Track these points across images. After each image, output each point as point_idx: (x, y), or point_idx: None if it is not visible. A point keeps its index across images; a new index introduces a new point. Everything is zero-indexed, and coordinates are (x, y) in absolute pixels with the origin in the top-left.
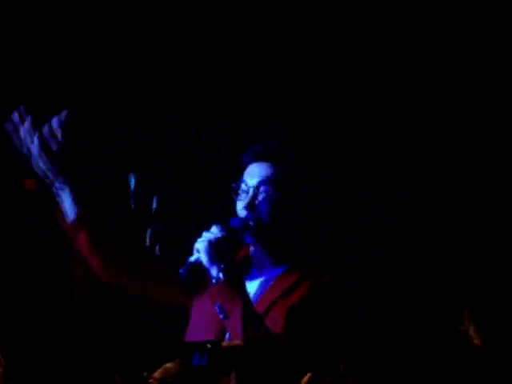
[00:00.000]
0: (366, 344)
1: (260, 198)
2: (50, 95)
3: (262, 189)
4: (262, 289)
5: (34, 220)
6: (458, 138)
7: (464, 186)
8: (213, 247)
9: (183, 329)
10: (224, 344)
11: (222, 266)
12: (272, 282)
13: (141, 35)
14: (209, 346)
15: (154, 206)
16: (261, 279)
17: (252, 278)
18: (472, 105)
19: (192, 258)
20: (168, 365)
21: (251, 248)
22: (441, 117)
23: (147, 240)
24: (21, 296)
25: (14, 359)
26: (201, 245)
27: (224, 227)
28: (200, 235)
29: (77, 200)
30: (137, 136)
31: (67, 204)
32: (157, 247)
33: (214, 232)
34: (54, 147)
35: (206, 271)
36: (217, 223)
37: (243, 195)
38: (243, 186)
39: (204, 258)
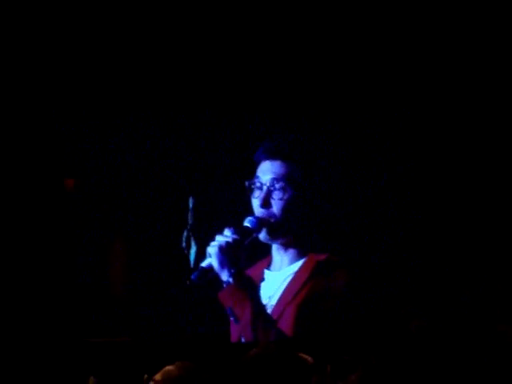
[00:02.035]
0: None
1: (274, 194)
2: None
3: (275, 185)
4: (281, 287)
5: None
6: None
7: (499, 185)
8: (223, 252)
9: (184, 331)
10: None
11: (233, 271)
12: (289, 279)
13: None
14: None
15: (190, 206)
16: (280, 276)
17: (273, 275)
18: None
19: (203, 264)
20: (169, 367)
21: (273, 246)
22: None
23: (183, 242)
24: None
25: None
26: (212, 249)
27: (237, 229)
28: (213, 238)
29: None
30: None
31: None
32: (193, 248)
33: (227, 235)
34: None
35: (218, 276)
36: (229, 226)
37: (257, 192)
38: (257, 183)
39: (215, 263)
